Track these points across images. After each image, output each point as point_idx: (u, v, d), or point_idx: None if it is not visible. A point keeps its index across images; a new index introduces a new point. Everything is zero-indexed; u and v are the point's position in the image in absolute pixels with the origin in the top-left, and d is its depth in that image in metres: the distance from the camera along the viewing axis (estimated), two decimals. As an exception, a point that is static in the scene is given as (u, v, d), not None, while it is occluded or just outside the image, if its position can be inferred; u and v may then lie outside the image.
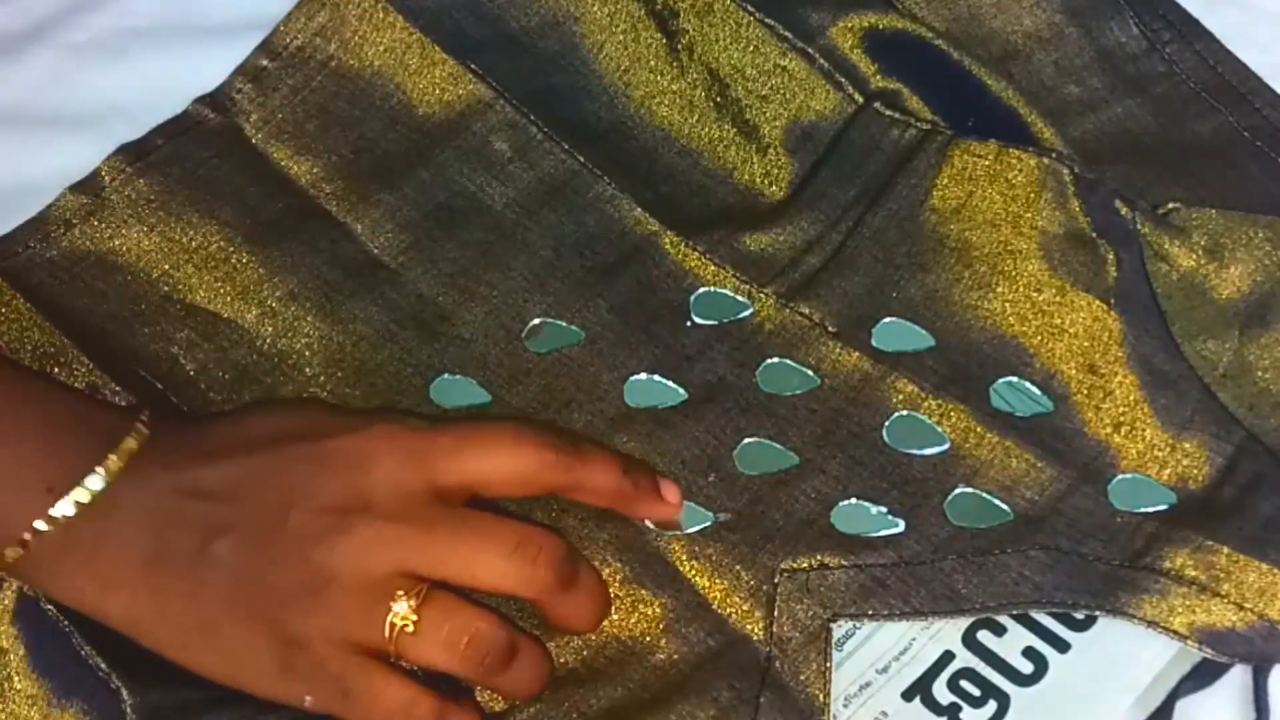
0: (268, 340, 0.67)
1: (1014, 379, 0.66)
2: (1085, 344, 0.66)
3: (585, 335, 0.67)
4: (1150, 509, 0.63)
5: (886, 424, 0.65)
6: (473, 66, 0.73)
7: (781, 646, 0.60)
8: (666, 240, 0.69)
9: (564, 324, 0.67)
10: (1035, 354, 0.67)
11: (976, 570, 0.61)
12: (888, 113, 0.72)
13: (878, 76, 0.73)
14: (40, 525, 0.55)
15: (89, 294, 0.68)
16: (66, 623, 0.57)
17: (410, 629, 0.55)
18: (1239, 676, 0.61)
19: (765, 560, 0.62)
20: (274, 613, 0.55)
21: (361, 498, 0.56)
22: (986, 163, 0.69)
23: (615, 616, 0.61)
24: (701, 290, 0.68)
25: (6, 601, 0.58)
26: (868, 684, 0.60)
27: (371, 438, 0.57)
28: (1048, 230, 0.68)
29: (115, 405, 0.61)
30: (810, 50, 0.73)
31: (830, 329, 0.67)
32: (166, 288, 0.68)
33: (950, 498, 0.63)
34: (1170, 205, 0.69)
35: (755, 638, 0.61)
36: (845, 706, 0.60)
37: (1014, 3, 0.77)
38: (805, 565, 0.62)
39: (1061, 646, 0.61)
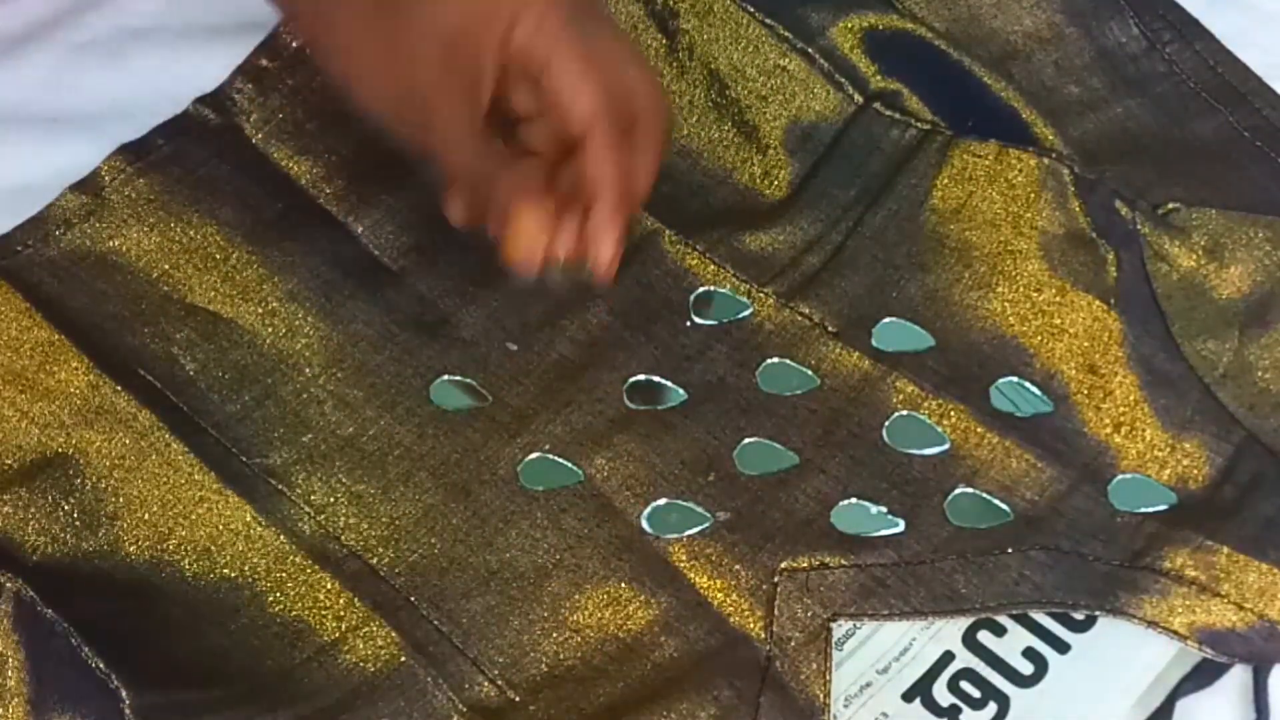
0: (268, 340, 0.67)
1: (1014, 379, 0.66)
2: (1085, 344, 0.66)
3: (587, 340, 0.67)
4: (1150, 509, 0.63)
5: (886, 424, 0.65)
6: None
7: (781, 646, 0.60)
8: (666, 240, 0.69)
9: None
10: (1035, 354, 0.67)
11: (976, 570, 0.61)
12: (888, 113, 0.72)
13: (878, 76, 0.73)
14: None
15: (89, 293, 0.68)
16: (65, 625, 0.57)
17: None
18: (1239, 676, 0.61)
19: (765, 560, 0.62)
20: None
21: None
22: (986, 163, 0.69)
23: (616, 615, 0.61)
24: (701, 290, 0.68)
25: (6, 608, 0.58)
26: (868, 684, 0.60)
27: None
28: (1048, 230, 0.68)
29: None
30: (810, 50, 0.73)
31: (830, 329, 0.67)
32: (166, 287, 0.68)
33: (950, 498, 0.63)
34: (1170, 205, 0.69)
35: (755, 637, 0.60)
36: (846, 707, 0.60)
37: (1014, 3, 0.77)
38: (805, 565, 0.61)
39: (1061, 647, 0.61)
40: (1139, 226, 0.68)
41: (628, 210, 0.60)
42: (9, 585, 0.58)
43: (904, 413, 0.65)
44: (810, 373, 0.66)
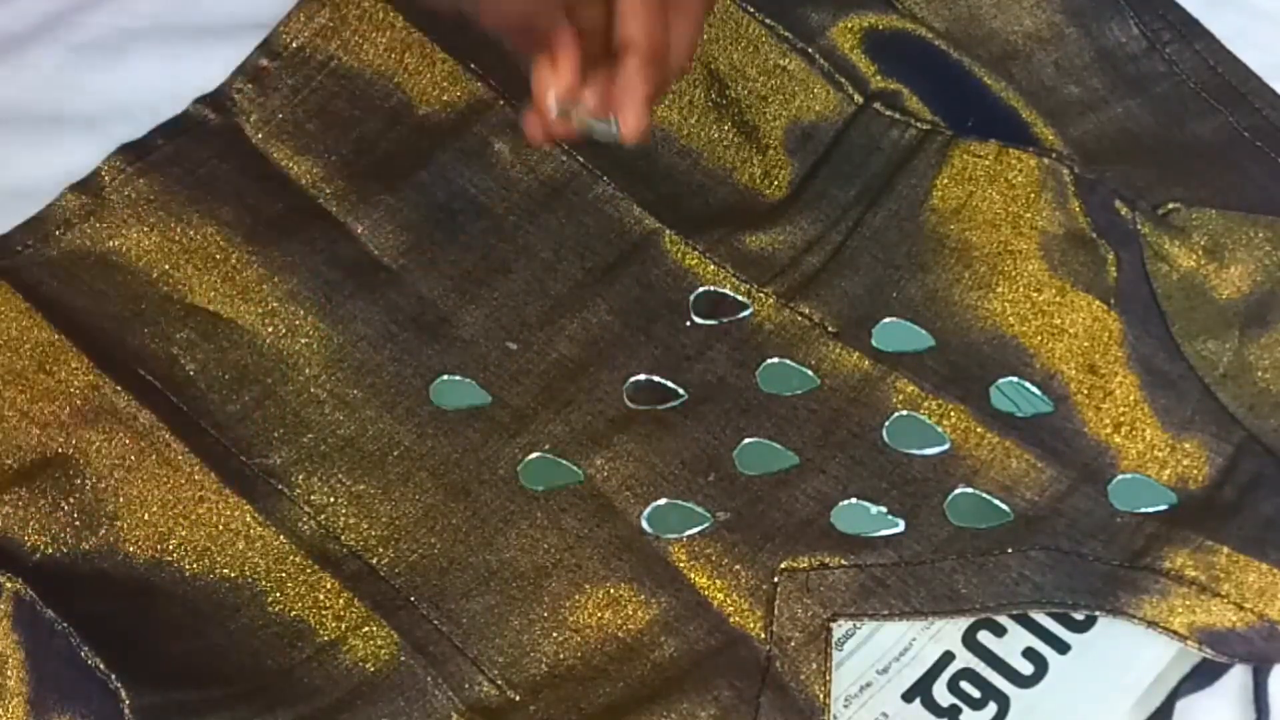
0: (268, 340, 0.67)
1: (1014, 379, 0.66)
2: (1085, 344, 0.66)
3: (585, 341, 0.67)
4: (1150, 509, 0.63)
5: (886, 424, 0.65)
6: (473, 66, 0.73)
7: (781, 646, 0.60)
8: (666, 239, 0.69)
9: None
10: (1035, 354, 0.67)
11: (976, 570, 0.61)
12: (888, 113, 0.72)
13: (878, 76, 0.73)
14: None
15: (89, 293, 0.68)
16: (65, 625, 0.57)
17: None
18: (1239, 676, 0.61)
19: (765, 560, 0.62)
20: None
21: None
22: (986, 163, 0.69)
23: (616, 615, 0.61)
24: (701, 289, 0.68)
25: (6, 608, 0.58)
26: (868, 684, 0.60)
27: None
28: (1048, 230, 0.68)
29: None
30: (810, 50, 0.73)
31: (830, 329, 0.67)
32: (166, 288, 0.68)
33: (950, 498, 0.63)
34: (1170, 205, 0.69)
35: (755, 637, 0.60)
36: (846, 707, 0.60)
37: (1014, 3, 0.77)
38: (805, 565, 0.61)
39: (1061, 648, 0.61)
40: (1139, 226, 0.68)
41: (658, 72, 0.58)
42: (9, 585, 0.58)
43: (904, 413, 0.65)
44: (810, 373, 0.66)
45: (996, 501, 0.63)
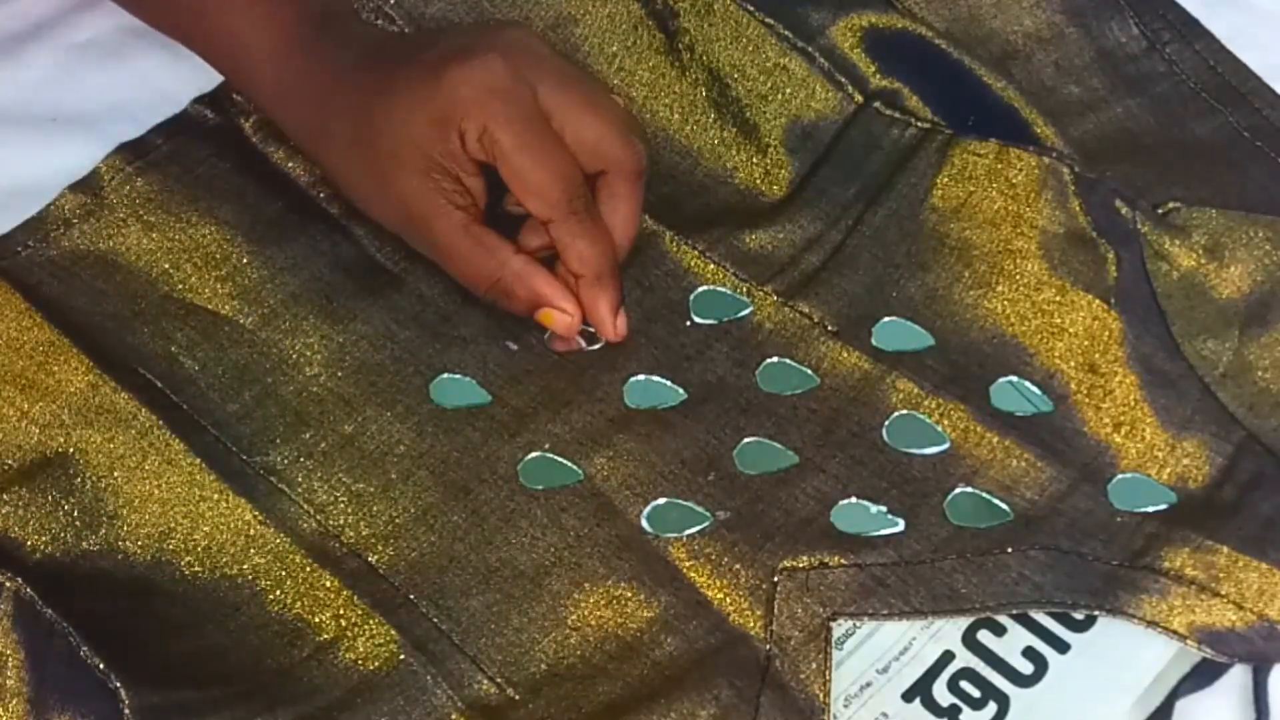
0: (268, 339, 0.67)
1: (1014, 378, 0.66)
2: (1085, 343, 0.66)
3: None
4: (1150, 508, 0.63)
5: (886, 423, 0.65)
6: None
7: (781, 645, 0.60)
8: (666, 240, 0.69)
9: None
10: (1035, 353, 0.67)
11: (976, 570, 0.61)
12: (888, 112, 0.72)
13: (877, 76, 0.73)
14: None
15: (88, 293, 0.68)
16: (65, 625, 0.57)
17: None
18: (1239, 676, 0.61)
19: (765, 559, 0.62)
20: None
21: None
22: (986, 162, 0.69)
23: (616, 614, 0.61)
24: (701, 289, 0.68)
25: (6, 608, 0.58)
26: (868, 684, 0.60)
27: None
28: (1048, 230, 0.68)
29: None
30: (810, 49, 0.73)
31: (830, 328, 0.67)
32: (166, 287, 0.68)
33: (950, 497, 0.63)
34: (1170, 205, 0.69)
35: (755, 636, 0.60)
36: (846, 707, 0.60)
37: (1014, 3, 0.77)
38: (805, 564, 0.61)
39: (1061, 647, 0.61)
40: (1139, 226, 0.68)
41: (610, 274, 0.64)
42: (9, 585, 0.58)
43: (904, 412, 0.65)
44: (810, 372, 0.66)
45: (996, 501, 0.63)
